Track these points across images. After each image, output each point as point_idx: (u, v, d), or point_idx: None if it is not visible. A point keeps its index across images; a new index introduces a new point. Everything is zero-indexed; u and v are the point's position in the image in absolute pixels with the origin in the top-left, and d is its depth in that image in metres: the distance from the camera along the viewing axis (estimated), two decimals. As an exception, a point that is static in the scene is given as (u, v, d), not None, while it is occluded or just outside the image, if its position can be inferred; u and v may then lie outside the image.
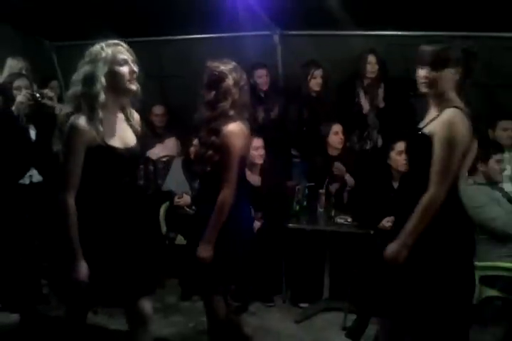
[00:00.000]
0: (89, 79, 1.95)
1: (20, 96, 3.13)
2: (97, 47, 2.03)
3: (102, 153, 1.97)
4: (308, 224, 3.41)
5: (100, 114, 1.95)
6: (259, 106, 4.12)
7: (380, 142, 3.99)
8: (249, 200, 2.54)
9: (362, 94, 3.96)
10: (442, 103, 2.09)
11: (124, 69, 1.99)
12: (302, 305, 3.49)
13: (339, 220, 3.29)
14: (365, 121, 3.97)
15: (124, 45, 2.06)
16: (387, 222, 3.09)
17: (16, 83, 3.24)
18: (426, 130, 2.07)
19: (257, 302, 3.55)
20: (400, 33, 3.95)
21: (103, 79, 1.95)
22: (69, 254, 1.98)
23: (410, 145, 2.31)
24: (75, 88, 1.98)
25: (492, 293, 2.92)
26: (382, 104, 3.96)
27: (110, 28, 4.26)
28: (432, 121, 2.08)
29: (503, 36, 3.63)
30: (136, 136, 2.13)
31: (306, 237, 3.43)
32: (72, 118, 1.95)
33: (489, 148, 3.14)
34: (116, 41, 2.06)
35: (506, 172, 3.32)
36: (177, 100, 4.55)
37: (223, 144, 2.27)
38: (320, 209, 3.51)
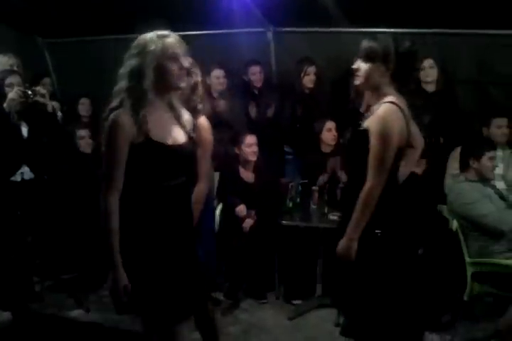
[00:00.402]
0: (136, 74, 1.80)
1: (12, 93, 3.12)
2: (145, 38, 1.85)
3: (148, 149, 1.80)
4: (302, 221, 3.41)
5: (145, 109, 1.81)
6: (253, 103, 4.12)
7: None
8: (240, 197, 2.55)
9: (353, 94, 3.94)
10: (379, 98, 2.15)
11: (174, 65, 1.83)
12: (295, 302, 3.50)
13: (332, 217, 3.29)
14: (359, 117, 3.95)
15: (176, 37, 1.88)
16: None
17: (8, 80, 3.22)
18: (364, 125, 2.13)
19: (249, 299, 3.55)
20: (393, 30, 3.93)
21: (150, 74, 1.80)
22: (108, 262, 1.79)
23: (350, 140, 2.36)
24: (121, 82, 1.83)
25: (483, 289, 2.94)
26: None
27: (102, 24, 4.29)
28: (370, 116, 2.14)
29: (496, 34, 3.62)
30: (188, 135, 1.95)
31: (299, 234, 3.44)
32: (114, 113, 1.80)
33: (482, 145, 3.15)
34: (166, 32, 1.88)
35: (498, 171, 3.32)
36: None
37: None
38: (313, 206, 3.52)
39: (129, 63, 1.82)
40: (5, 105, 3.13)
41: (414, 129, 2.34)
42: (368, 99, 2.23)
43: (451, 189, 3.22)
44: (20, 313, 3.24)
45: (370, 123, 2.10)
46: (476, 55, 3.77)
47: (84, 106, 4.34)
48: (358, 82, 2.17)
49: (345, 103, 3.96)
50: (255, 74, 4.07)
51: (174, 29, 4.55)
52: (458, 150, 3.39)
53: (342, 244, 2.13)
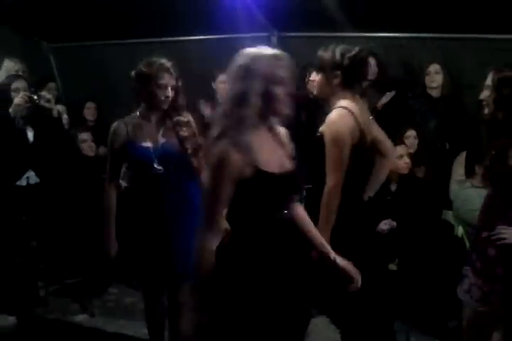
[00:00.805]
0: (241, 99, 1.63)
1: (18, 99, 3.13)
2: (248, 58, 1.66)
3: (258, 180, 1.63)
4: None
5: (250, 137, 1.63)
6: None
7: None
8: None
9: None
10: (333, 105, 2.26)
11: (281, 90, 1.66)
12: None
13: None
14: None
15: (283, 56, 1.69)
16: (384, 225, 3.09)
17: (14, 85, 3.24)
18: (319, 131, 2.26)
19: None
20: (397, 34, 3.95)
21: (257, 101, 1.62)
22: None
23: (309, 147, 2.40)
24: (223, 107, 1.70)
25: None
26: (380, 107, 3.94)
27: (107, 29, 4.31)
28: None
29: (500, 38, 3.62)
30: (290, 158, 1.78)
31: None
32: (219, 147, 1.61)
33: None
34: (278, 52, 1.70)
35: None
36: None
37: None
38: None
39: (234, 87, 1.66)
40: (10, 110, 3.14)
41: (383, 137, 2.44)
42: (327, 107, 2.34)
43: (457, 195, 3.20)
44: (25, 318, 3.24)
45: (323, 128, 2.25)
46: (479, 60, 3.77)
47: (89, 111, 4.35)
48: (315, 92, 2.33)
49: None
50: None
51: (177, 34, 4.62)
52: (463, 155, 3.38)
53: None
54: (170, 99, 2.35)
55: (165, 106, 2.36)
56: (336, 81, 2.25)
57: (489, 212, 2.16)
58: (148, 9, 3.84)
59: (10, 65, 3.74)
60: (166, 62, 2.38)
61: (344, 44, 3.94)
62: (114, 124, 2.39)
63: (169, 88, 2.34)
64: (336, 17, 3.62)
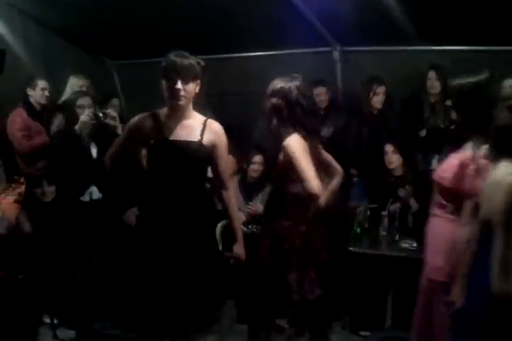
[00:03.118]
0: None
1: (84, 116, 3.19)
2: None
3: None
4: (371, 248, 3.26)
5: None
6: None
7: (434, 162, 3.78)
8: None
9: (427, 112, 3.78)
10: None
11: None
12: (363, 333, 3.33)
13: (404, 245, 3.13)
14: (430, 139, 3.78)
15: None
16: None
17: (79, 102, 3.30)
18: None
19: (314, 328, 3.41)
20: (464, 47, 3.77)
21: None
22: None
23: None
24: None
25: None
26: (444, 123, 3.75)
27: (169, 46, 4.35)
28: None
29: None
30: None
31: (368, 261, 3.28)
32: None
33: None
34: None
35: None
36: (235, 118, 4.53)
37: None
38: (383, 233, 3.36)
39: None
40: (76, 127, 3.20)
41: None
42: None
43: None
44: (85, 333, 3.25)
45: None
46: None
47: None
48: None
49: (416, 123, 3.84)
50: (320, 95, 3.98)
51: (237, 50, 4.62)
52: None
53: None
54: None
55: None
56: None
57: None
58: (209, 26, 3.85)
59: (74, 81, 3.84)
60: None
61: (410, 58, 3.89)
62: None
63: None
64: (401, 29, 3.49)
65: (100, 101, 4.00)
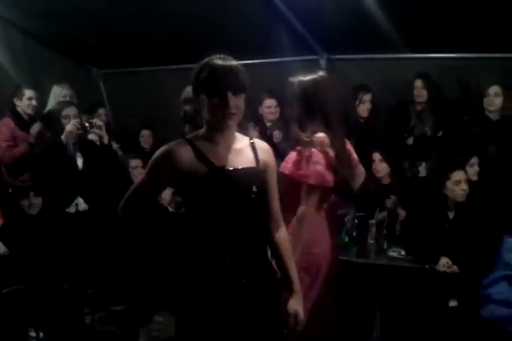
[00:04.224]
0: None
1: (70, 126, 3.17)
2: None
3: None
4: (358, 257, 3.25)
5: None
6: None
7: (422, 170, 3.79)
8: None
9: (414, 120, 3.79)
10: None
11: None
12: (351, 342, 3.31)
13: (391, 253, 3.12)
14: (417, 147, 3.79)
15: None
16: (443, 267, 2.90)
17: (65, 112, 3.29)
18: None
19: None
20: (453, 55, 3.80)
21: None
22: None
23: None
24: None
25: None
26: (431, 131, 3.77)
27: (156, 55, 4.35)
28: None
29: None
30: None
31: (355, 270, 3.27)
32: None
33: None
34: None
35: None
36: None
37: None
38: (370, 241, 3.35)
39: None
40: (62, 137, 3.18)
41: None
42: None
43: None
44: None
45: None
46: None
47: (145, 138, 4.38)
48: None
49: (403, 131, 3.85)
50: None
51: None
52: None
53: None
54: None
55: None
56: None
57: None
58: (195, 35, 3.85)
59: (57, 91, 3.82)
60: None
61: (396, 66, 3.90)
62: None
63: None
64: (388, 37, 3.51)
65: (86, 111, 3.98)
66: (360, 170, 2.69)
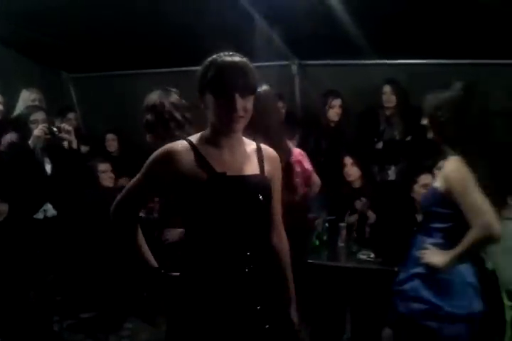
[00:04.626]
0: None
1: (37, 130, 3.12)
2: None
3: None
4: (329, 260, 3.27)
5: None
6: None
7: (391, 174, 3.86)
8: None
9: (383, 125, 3.86)
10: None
11: None
12: (322, 344, 3.33)
13: (361, 256, 3.16)
14: (387, 151, 3.85)
15: None
16: None
17: (33, 116, 3.23)
18: None
19: None
20: (422, 61, 3.87)
21: None
22: None
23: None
24: None
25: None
26: (400, 135, 3.84)
27: (127, 60, 4.32)
28: None
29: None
30: None
31: (326, 273, 3.29)
32: None
33: None
34: None
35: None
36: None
37: None
38: (341, 244, 3.38)
39: None
40: (30, 142, 3.12)
41: None
42: None
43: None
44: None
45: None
46: (509, 86, 3.66)
47: (110, 142, 4.34)
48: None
49: (372, 135, 3.91)
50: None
51: (196, 64, 4.60)
52: None
53: None
54: None
55: None
56: None
57: None
58: (165, 39, 3.84)
59: (26, 95, 3.76)
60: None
61: (366, 72, 3.96)
62: None
63: None
64: (358, 43, 3.56)
65: (56, 115, 3.93)
66: (315, 180, 2.70)
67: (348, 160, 3.71)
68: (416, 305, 2.03)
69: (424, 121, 2.22)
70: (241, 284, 1.60)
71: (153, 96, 2.49)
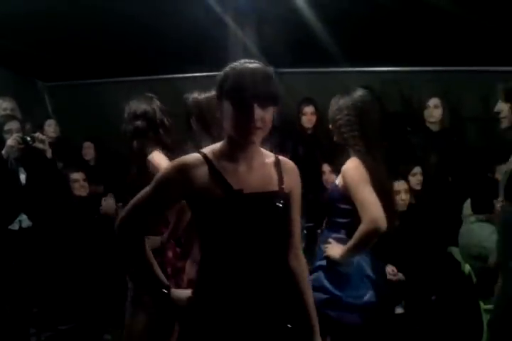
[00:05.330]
0: None
1: (11, 140, 3.06)
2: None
3: None
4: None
5: None
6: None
7: None
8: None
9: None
10: None
11: None
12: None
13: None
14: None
15: None
16: (389, 275, 3.01)
17: (7, 126, 3.19)
18: None
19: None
20: (395, 68, 3.95)
21: None
22: None
23: None
24: None
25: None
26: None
27: (102, 68, 4.31)
28: None
29: (501, 70, 3.61)
30: None
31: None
32: None
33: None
34: None
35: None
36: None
37: None
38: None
39: None
40: (3, 152, 3.08)
41: None
42: None
43: (461, 230, 3.13)
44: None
45: None
46: (480, 92, 3.75)
47: (87, 151, 4.31)
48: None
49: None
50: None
51: (174, 71, 4.61)
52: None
53: None
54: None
55: None
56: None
57: None
58: (141, 47, 3.85)
59: None
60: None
61: (341, 79, 4.01)
62: None
63: None
64: (332, 51, 3.61)
65: (31, 125, 3.88)
66: None
67: (326, 168, 3.73)
68: (319, 295, 2.10)
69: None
70: (258, 306, 1.50)
71: (141, 103, 2.48)
